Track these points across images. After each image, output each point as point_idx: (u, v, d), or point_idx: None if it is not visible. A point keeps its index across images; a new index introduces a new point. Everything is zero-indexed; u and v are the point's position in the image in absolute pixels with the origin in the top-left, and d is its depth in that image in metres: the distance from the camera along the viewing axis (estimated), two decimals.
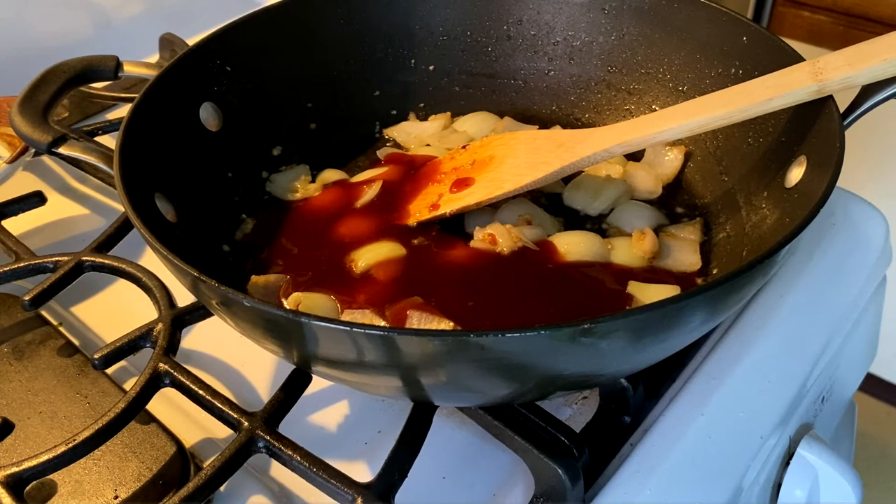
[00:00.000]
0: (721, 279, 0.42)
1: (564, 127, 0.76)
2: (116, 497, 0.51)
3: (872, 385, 1.81)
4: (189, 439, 0.57)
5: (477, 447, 0.56)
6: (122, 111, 0.89)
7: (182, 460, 0.54)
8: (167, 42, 0.93)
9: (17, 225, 0.74)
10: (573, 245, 0.62)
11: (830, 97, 0.55)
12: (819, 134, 0.55)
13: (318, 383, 0.58)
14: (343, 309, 0.58)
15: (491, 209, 0.65)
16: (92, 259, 0.66)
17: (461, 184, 0.65)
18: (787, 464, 0.61)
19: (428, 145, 0.75)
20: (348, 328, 0.40)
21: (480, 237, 0.62)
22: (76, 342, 0.64)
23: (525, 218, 0.64)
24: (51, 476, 0.52)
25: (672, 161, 0.70)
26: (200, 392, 0.54)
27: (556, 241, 0.62)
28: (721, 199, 0.66)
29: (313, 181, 0.72)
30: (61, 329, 0.65)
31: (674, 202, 0.68)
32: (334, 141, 0.76)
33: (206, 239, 0.62)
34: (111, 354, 0.57)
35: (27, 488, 0.49)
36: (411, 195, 0.68)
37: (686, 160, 0.70)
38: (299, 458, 0.50)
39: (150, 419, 0.56)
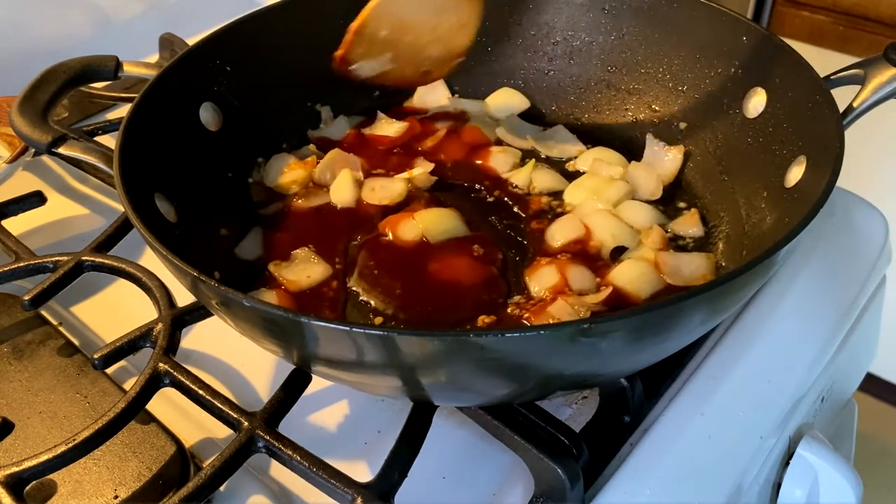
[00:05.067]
0: (721, 279, 0.42)
1: (565, 127, 0.76)
2: (116, 497, 0.51)
3: (872, 385, 1.81)
4: (189, 439, 0.57)
5: (477, 447, 0.56)
6: (122, 111, 0.89)
7: (182, 460, 0.54)
8: (167, 42, 0.93)
9: (17, 225, 0.74)
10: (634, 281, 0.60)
11: (830, 96, 0.55)
12: (819, 134, 0.55)
13: (318, 383, 0.58)
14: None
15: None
16: (92, 259, 0.66)
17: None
18: (787, 464, 0.61)
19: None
20: (348, 328, 0.40)
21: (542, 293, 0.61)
22: (76, 342, 0.64)
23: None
24: (51, 476, 0.52)
25: (672, 161, 0.70)
26: (200, 392, 0.54)
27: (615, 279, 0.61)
28: (721, 199, 0.66)
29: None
30: (61, 329, 0.65)
31: (674, 202, 0.68)
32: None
33: (206, 239, 0.62)
34: (111, 354, 0.57)
35: (27, 488, 0.49)
36: None
37: (686, 160, 0.70)
38: (299, 458, 0.50)
39: (150, 419, 0.56)
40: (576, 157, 0.73)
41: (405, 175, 0.70)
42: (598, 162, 0.71)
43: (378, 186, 0.69)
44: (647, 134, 0.73)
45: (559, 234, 0.64)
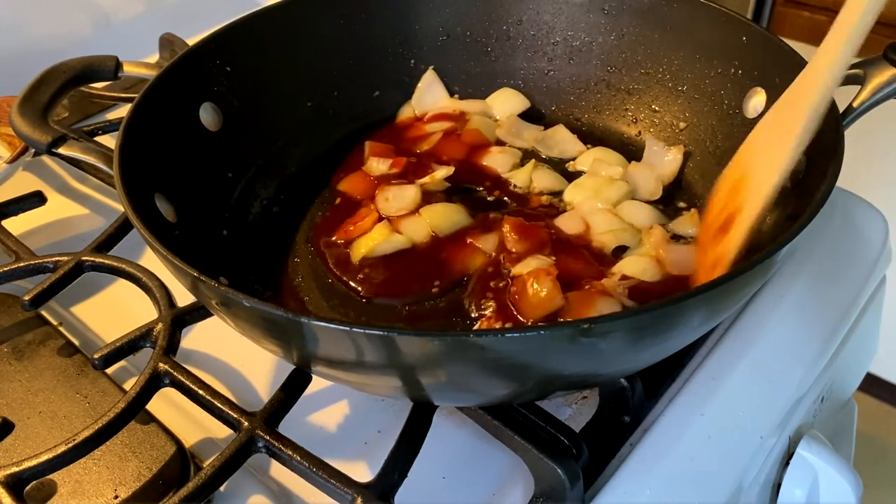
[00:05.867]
0: (721, 279, 0.42)
1: (566, 127, 0.76)
2: (116, 497, 0.51)
3: (872, 385, 1.81)
4: (189, 439, 0.57)
5: (477, 447, 0.56)
6: (122, 111, 0.89)
7: (182, 460, 0.54)
8: (167, 42, 0.93)
9: (17, 225, 0.74)
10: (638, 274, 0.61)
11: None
12: (818, 134, 0.55)
13: (318, 383, 0.58)
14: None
15: None
16: (92, 259, 0.66)
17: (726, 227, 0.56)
18: (787, 464, 0.61)
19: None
20: (348, 328, 0.40)
21: None
22: (76, 342, 0.64)
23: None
24: (51, 476, 0.52)
25: (672, 161, 0.70)
26: (200, 392, 0.54)
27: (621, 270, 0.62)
28: None
29: None
30: (61, 329, 0.65)
31: (674, 202, 0.68)
32: (333, 141, 0.76)
33: (207, 239, 0.62)
34: (111, 354, 0.57)
35: (27, 488, 0.49)
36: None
37: (685, 160, 0.70)
38: (299, 458, 0.50)
39: (150, 419, 0.56)
40: (576, 158, 0.73)
41: (423, 180, 0.70)
42: (599, 162, 0.71)
43: (391, 196, 0.68)
44: (647, 134, 0.73)
45: (561, 230, 0.65)
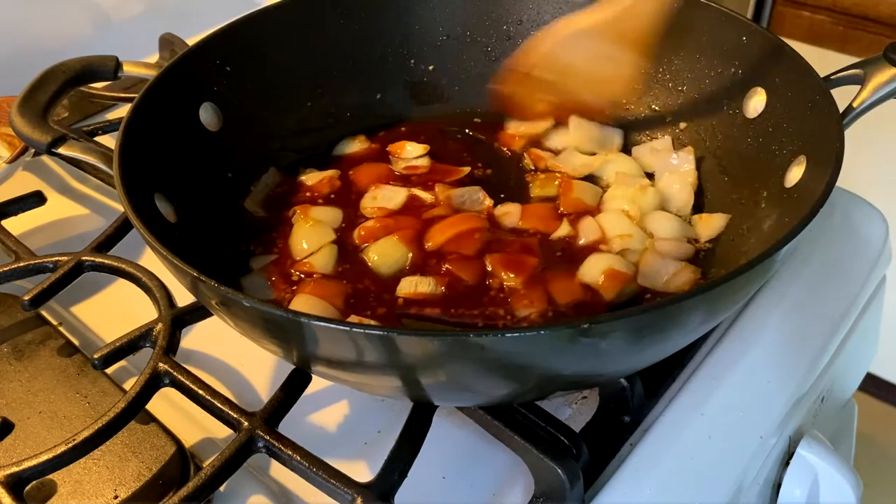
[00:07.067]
0: (720, 279, 0.42)
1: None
2: (116, 497, 0.51)
3: (872, 385, 1.81)
4: (189, 439, 0.57)
5: (477, 447, 0.56)
6: (122, 111, 0.89)
7: (182, 460, 0.54)
8: (167, 42, 0.93)
9: (17, 225, 0.74)
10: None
11: (830, 96, 0.55)
12: (818, 133, 0.55)
13: (318, 383, 0.58)
14: None
15: None
16: (92, 259, 0.66)
17: None
18: (787, 464, 0.61)
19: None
20: (348, 328, 0.40)
21: None
22: (76, 342, 0.64)
23: None
24: (51, 476, 0.52)
25: (689, 163, 0.69)
26: (200, 392, 0.54)
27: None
28: (721, 199, 0.66)
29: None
30: (61, 329, 0.65)
31: None
32: (333, 141, 0.76)
33: (206, 239, 0.62)
34: (111, 354, 0.57)
35: (27, 488, 0.49)
36: None
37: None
38: (299, 458, 0.50)
39: (150, 419, 0.56)
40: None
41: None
42: (622, 175, 0.70)
43: (380, 196, 0.68)
44: (647, 134, 0.73)
45: (583, 234, 0.65)
